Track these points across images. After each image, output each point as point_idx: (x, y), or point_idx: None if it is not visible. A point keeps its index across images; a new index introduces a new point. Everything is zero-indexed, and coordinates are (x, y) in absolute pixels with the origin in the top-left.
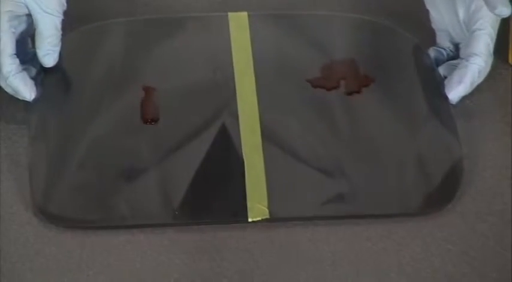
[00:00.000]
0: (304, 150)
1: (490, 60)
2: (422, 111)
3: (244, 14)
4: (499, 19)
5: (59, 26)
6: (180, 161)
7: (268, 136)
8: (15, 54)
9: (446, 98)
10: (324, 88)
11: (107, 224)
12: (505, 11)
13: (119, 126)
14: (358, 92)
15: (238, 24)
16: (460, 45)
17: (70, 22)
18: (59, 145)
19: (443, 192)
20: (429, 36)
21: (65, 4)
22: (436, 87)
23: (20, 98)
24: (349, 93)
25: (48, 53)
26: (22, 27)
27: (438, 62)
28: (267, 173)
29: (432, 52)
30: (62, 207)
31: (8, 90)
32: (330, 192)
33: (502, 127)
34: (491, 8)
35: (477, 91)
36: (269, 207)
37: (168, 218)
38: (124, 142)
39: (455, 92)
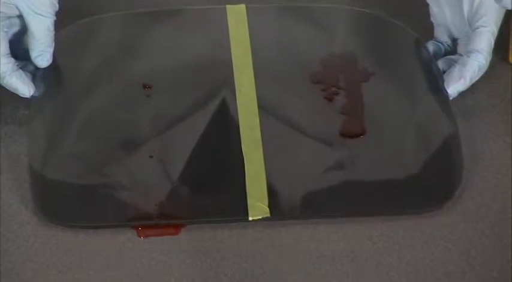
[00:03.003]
0: (304, 128)
1: (490, 57)
2: (421, 104)
3: (243, 6)
4: (501, 16)
5: (51, 27)
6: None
7: (267, 128)
8: (9, 53)
9: (445, 91)
10: (323, 84)
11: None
12: (509, 5)
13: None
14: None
15: (237, 17)
16: (459, 41)
17: (68, 16)
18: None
19: (443, 190)
20: (428, 30)
21: (57, 5)
22: (434, 80)
23: (20, 95)
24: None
25: (41, 54)
26: (16, 28)
27: (436, 56)
28: (267, 170)
29: (431, 46)
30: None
31: (8, 88)
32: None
33: (502, 126)
34: (497, 0)
35: (477, 90)
36: (270, 206)
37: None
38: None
39: (455, 87)
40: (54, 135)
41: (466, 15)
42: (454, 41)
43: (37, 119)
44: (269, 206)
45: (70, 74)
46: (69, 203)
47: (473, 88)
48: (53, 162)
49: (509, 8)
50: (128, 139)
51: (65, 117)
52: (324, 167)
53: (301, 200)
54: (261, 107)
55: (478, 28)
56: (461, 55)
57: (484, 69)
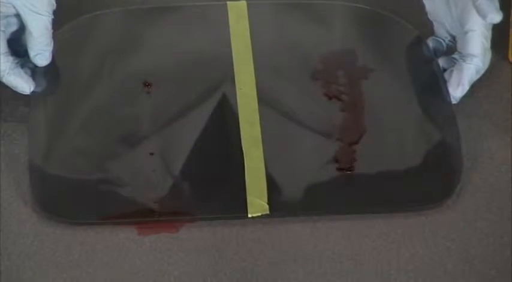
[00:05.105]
0: (303, 124)
1: (488, 56)
2: (421, 102)
3: (243, 3)
4: None
5: (49, 25)
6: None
7: (267, 125)
8: (7, 52)
9: (445, 89)
10: (323, 80)
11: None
12: (496, 18)
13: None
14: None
15: (237, 13)
16: (457, 38)
17: (69, 13)
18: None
19: (442, 188)
20: (428, 26)
21: (54, 3)
22: (435, 77)
23: (20, 92)
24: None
25: (40, 53)
26: (14, 26)
27: (438, 52)
28: (266, 167)
29: (431, 42)
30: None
31: (8, 85)
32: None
33: (502, 125)
34: (482, 16)
35: (477, 89)
36: (269, 203)
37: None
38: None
39: (455, 94)
40: (55, 130)
41: (455, 17)
42: (454, 37)
43: (37, 115)
44: (268, 203)
45: (71, 70)
46: (69, 200)
47: (473, 87)
48: (53, 158)
49: (496, 22)
50: (128, 135)
51: (66, 113)
52: (323, 162)
53: (300, 196)
54: (261, 103)
55: (467, 32)
56: (460, 52)
57: (483, 70)
